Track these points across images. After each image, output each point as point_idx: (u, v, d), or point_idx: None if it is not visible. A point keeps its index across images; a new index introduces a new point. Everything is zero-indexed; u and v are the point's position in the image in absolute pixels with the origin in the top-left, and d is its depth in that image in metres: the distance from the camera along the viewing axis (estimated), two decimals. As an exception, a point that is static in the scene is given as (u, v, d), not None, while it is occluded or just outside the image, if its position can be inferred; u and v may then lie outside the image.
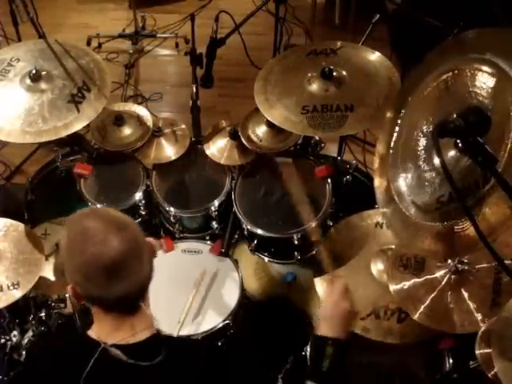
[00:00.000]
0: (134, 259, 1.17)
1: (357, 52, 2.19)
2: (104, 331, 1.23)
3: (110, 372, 1.20)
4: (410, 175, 1.38)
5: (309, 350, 1.51)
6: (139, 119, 2.39)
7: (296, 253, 2.21)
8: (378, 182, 1.52)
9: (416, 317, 1.65)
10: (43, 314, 2.24)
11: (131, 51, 4.02)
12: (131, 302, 1.23)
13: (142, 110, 2.44)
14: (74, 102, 2.04)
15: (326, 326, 1.50)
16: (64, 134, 1.99)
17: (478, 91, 1.19)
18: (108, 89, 2.12)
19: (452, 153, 1.19)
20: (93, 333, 1.24)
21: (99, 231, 1.16)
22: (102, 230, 1.16)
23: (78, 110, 2.02)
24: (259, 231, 2.17)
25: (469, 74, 1.23)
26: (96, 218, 1.20)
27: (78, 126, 2.01)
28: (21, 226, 2.04)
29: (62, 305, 2.23)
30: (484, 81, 1.19)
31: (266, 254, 2.31)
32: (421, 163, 1.33)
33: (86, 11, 4.45)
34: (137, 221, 2.38)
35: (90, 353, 1.19)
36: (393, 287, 1.73)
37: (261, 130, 2.28)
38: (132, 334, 1.22)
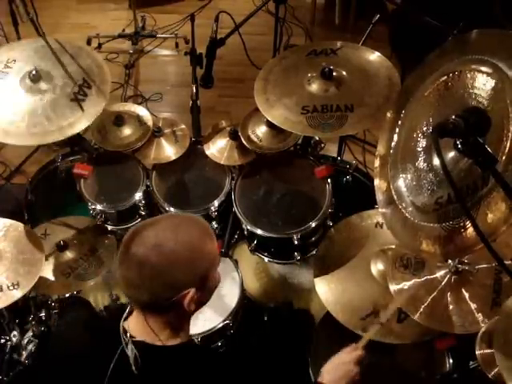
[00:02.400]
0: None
1: (357, 52, 2.19)
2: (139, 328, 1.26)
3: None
4: (409, 176, 1.38)
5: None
6: (139, 119, 2.39)
7: (296, 253, 2.21)
8: (379, 183, 1.52)
9: (416, 317, 1.65)
10: (43, 314, 2.24)
11: (131, 51, 4.01)
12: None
13: (141, 110, 2.44)
14: (76, 101, 2.04)
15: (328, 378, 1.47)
16: (70, 133, 1.98)
17: (478, 92, 1.20)
18: (108, 83, 2.11)
19: (451, 154, 1.19)
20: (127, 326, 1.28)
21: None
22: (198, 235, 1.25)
23: (82, 108, 2.02)
24: (259, 231, 2.17)
25: (469, 75, 1.23)
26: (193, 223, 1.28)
27: (83, 124, 2.00)
28: (21, 226, 2.03)
29: (58, 305, 2.24)
30: (484, 82, 1.19)
31: (265, 254, 2.31)
32: (420, 164, 1.34)
33: (86, 11, 4.45)
34: (136, 221, 2.39)
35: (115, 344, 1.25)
36: (393, 287, 1.73)
37: (261, 130, 2.28)
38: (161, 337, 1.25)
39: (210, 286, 1.28)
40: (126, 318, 1.29)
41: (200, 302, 1.27)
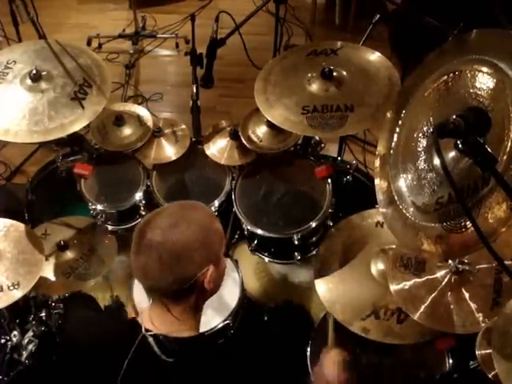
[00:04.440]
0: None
1: (357, 52, 2.18)
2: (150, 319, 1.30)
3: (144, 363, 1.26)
4: (410, 176, 1.38)
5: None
6: (139, 119, 2.39)
7: (296, 253, 2.21)
8: (379, 183, 1.52)
9: (416, 317, 1.65)
10: (43, 314, 2.24)
11: (131, 51, 4.02)
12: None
13: (142, 111, 2.44)
14: (77, 99, 2.04)
15: None
16: (71, 130, 1.99)
17: (478, 92, 1.19)
18: (108, 82, 2.12)
19: (452, 154, 1.19)
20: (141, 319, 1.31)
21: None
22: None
23: (83, 106, 2.03)
24: (259, 231, 2.17)
25: (469, 74, 1.23)
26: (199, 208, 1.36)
27: (84, 122, 2.01)
28: (21, 226, 2.03)
29: (62, 305, 2.24)
30: (484, 82, 1.19)
31: (266, 254, 2.31)
32: (421, 164, 1.33)
33: (86, 11, 4.46)
34: (137, 221, 2.39)
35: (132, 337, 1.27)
36: (393, 287, 1.73)
37: (261, 130, 2.28)
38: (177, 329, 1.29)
39: (222, 266, 1.35)
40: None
41: (216, 284, 1.34)
